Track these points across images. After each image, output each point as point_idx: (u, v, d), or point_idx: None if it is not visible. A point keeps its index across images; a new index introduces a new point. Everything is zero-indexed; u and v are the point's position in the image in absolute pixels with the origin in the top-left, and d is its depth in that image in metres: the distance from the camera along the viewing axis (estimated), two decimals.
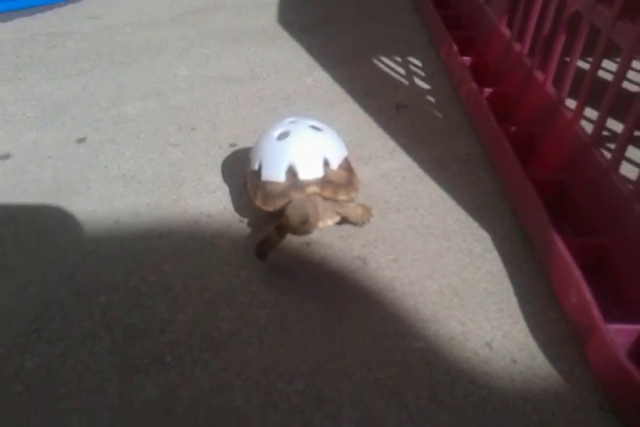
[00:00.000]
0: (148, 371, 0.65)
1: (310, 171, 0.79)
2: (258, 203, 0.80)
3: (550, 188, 0.83)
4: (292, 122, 0.86)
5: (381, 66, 1.37)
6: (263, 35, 1.55)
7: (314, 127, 0.85)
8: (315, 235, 0.83)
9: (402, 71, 1.35)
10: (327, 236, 0.84)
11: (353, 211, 0.83)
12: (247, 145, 1.06)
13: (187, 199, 0.93)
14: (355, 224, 0.84)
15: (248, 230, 0.86)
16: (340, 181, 0.80)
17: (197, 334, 0.69)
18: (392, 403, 0.61)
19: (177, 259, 0.81)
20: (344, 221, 0.83)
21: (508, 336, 0.69)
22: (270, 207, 0.79)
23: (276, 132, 0.83)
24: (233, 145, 1.07)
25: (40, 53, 1.48)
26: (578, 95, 0.83)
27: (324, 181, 0.78)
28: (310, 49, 1.47)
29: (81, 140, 1.10)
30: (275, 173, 0.79)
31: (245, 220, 0.88)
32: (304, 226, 0.73)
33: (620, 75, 0.74)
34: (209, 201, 0.92)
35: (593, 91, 0.82)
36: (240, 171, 0.97)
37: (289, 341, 0.69)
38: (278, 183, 0.79)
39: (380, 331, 0.70)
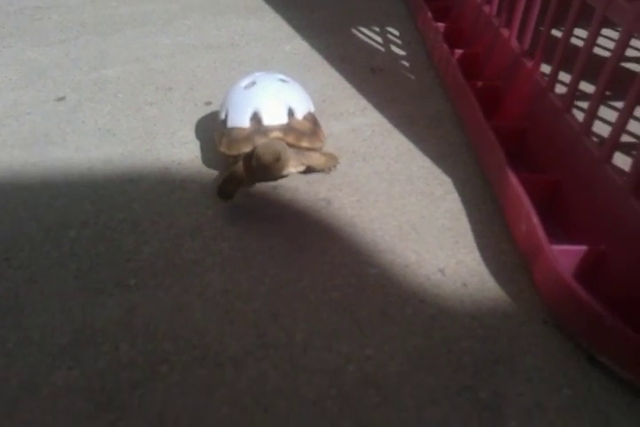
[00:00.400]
0: (111, 293, 0.67)
1: (274, 117, 0.80)
2: (222, 149, 0.81)
3: (511, 135, 0.86)
4: (260, 75, 0.88)
5: (359, 35, 1.40)
6: (245, 8, 1.57)
7: (281, 80, 0.87)
8: (281, 180, 0.85)
9: (379, 40, 1.37)
10: (294, 181, 0.86)
11: (317, 159, 0.84)
12: None
13: (159, 150, 0.95)
14: (320, 171, 0.86)
15: (218, 177, 0.88)
16: (304, 130, 0.82)
17: (162, 263, 0.72)
18: (344, 318, 0.64)
19: (146, 200, 0.83)
20: (310, 170, 0.86)
21: (461, 264, 0.71)
22: (234, 151, 0.80)
23: (244, 83, 0.86)
24: (208, 103, 1.09)
25: (25, 25, 1.50)
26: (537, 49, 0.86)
27: (288, 128, 0.80)
28: (291, 20, 1.49)
29: (60, 99, 1.12)
30: (239, 120, 0.81)
31: (214, 168, 0.90)
32: (276, 163, 0.74)
33: (570, 25, 0.77)
34: (180, 151, 0.94)
35: (550, 42, 0.84)
36: (213, 127, 1.00)
37: (250, 268, 0.71)
38: (243, 129, 0.80)
39: (338, 260, 0.72)
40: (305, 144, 0.81)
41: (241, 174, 0.78)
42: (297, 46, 1.34)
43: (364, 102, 1.09)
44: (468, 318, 0.64)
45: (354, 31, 1.42)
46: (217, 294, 0.67)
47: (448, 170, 0.89)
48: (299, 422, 0.53)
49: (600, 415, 0.53)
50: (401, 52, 1.30)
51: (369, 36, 1.39)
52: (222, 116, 0.85)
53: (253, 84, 0.84)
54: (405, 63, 1.25)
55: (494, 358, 0.59)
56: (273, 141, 0.77)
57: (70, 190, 0.85)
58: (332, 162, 0.86)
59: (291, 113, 0.82)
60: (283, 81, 0.87)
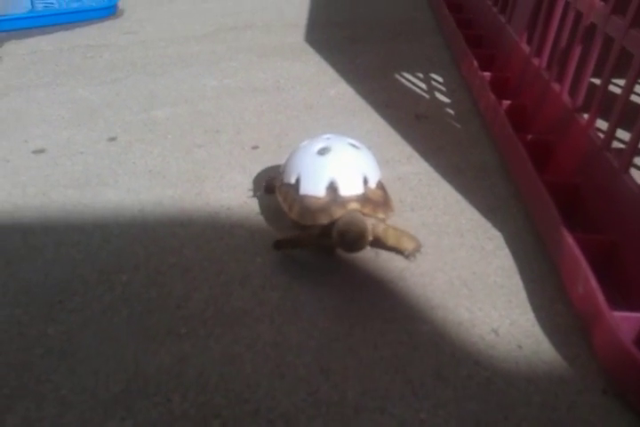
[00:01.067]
0: (163, 341, 0.67)
1: (351, 187, 0.77)
2: (294, 216, 0.78)
3: (564, 190, 0.85)
4: (329, 138, 0.84)
5: (403, 81, 1.42)
6: (290, 51, 1.61)
7: (353, 145, 0.83)
8: None
9: (423, 86, 1.39)
10: None
11: (384, 232, 0.79)
12: (269, 148, 1.11)
13: (208, 193, 0.96)
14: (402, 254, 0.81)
15: (266, 223, 0.89)
16: (379, 200, 0.79)
17: (212, 311, 0.72)
18: (396, 379, 0.63)
19: (196, 245, 0.84)
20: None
21: (514, 324, 0.70)
22: (309, 221, 0.76)
23: (316, 147, 0.81)
24: (255, 147, 1.11)
25: (78, 63, 1.56)
26: (592, 105, 0.86)
27: (365, 199, 0.77)
28: (335, 64, 1.52)
29: (112, 139, 1.15)
30: (315, 188, 0.78)
31: (264, 214, 0.91)
32: (360, 241, 0.72)
33: (630, 82, 0.77)
34: (229, 196, 0.96)
35: (606, 99, 0.85)
36: (261, 171, 1.02)
37: (299, 320, 0.71)
38: (318, 198, 0.77)
39: (389, 316, 0.71)
40: (381, 215, 0.78)
41: (307, 241, 0.78)
42: (341, 91, 1.37)
43: (409, 150, 1.10)
44: (525, 381, 0.62)
45: (397, 77, 1.44)
46: (267, 346, 0.67)
47: (497, 224, 0.88)
48: None
49: None
50: (445, 100, 1.32)
51: (413, 82, 1.41)
52: (292, 180, 0.81)
53: (327, 150, 0.80)
54: (450, 111, 1.26)
55: None
56: (356, 217, 0.74)
57: (122, 232, 0.87)
58: (413, 245, 0.80)
59: (365, 181, 0.79)
60: (355, 147, 0.84)
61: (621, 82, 0.80)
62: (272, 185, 0.88)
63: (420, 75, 1.45)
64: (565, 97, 0.97)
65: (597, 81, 0.88)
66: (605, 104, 0.84)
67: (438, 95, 1.34)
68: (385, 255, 0.81)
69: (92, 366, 0.64)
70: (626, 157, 0.75)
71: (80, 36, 1.75)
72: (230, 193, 0.97)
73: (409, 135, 1.15)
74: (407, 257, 0.79)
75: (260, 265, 0.80)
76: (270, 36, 1.73)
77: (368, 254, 0.82)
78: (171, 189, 0.98)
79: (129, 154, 1.09)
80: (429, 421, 0.58)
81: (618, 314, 0.62)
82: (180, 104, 1.30)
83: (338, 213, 0.75)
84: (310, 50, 1.63)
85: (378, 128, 1.19)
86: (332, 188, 0.77)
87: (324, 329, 0.69)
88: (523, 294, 0.74)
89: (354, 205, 0.76)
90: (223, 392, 0.61)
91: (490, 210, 0.91)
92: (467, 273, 0.78)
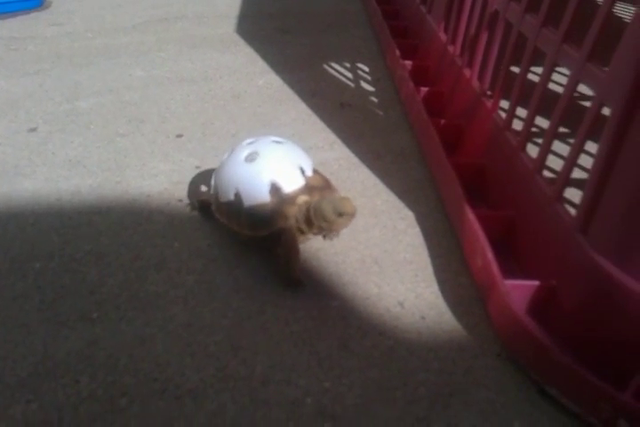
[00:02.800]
0: (74, 326, 0.67)
1: (293, 182, 0.76)
2: (247, 231, 0.76)
3: (471, 171, 0.90)
4: (251, 143, 0.81)
5: (331, 71, 1.44)
6: (220, 42, 1.61)
7: (277, 142, 0.81)
8: None
9: (350, 75, 1.42)
10: None
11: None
12: (194, 136, 1.11)
13: (129, 182, 0.96)
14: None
15: (186, 209, 0.90)
16: (321, 184, 0.78)
17: (125, 295, 0.72)
18: (304, 352, 0.65)
19: (113, 232, 0.84)
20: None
21: (420, 297, 0.73)
22: (265, 231, 0.74)
23: (242, 156, 0.78)
24: (179, 136, 1.11)
25: (0, 55, 1.51)
26: (495, 89, 0.91)
27: (309, 188, 0.76)
28: (265, 55, 1.53)
29: (32, 130, 1.13)
30: (259, 195, 0.75)
31: (184, 200, 0.92)
32: (340, 218, 0.72)
33: (526, 66, 0.82)
34: (150, 183, 0.96)
35: (508, 82, 0.89)
36: (185, 159, 1.02)
37: (213, 301, 0.72)
38: (265, 204, 0.74)
39: (301, 293, 0.74)
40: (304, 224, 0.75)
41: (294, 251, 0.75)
42: (270, 81, 1.38)
43: (332, 137, 1.13)
44: (425, 350, 0.66)
45: (325, 67, 1.46)
46: (179, 327, 0.68)
47: (411, 204, 0.92)
48: None
49: None
50: (370, 89, 1.35)
51: (340, 71, 1.43)
52: (231, 197, 0.76)
53: (255, 154, 0.78)
54: (374, 99, 1.30)
55: (449, 391, 0.61)
56: (321, 200, 0.74)
57: (37, 221, 0.86)
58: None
59: (302, 171, 0.78)
60: (279, 143, 0.81)
61: (538, 69, 0.83)
62: (207, 202, 0.84)
63: (348, 65, 1.47)
64: (475, 82, 1.01)
65: (517, 69, 0.92)
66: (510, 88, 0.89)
67: (363, 84, 1.37)
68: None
69: None
70: (522, 135, 0.80)
71: (4, 27, 1.69)
72: (151, 181, 0.97)
73: (333, 123, 1.18)
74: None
75: (177, 250, 0.81)
76: (201, 27, 1.72)
77: None
78: (90, 178, 0.97)
79: (49, 144, 1.07)
80: (333, 389, 0.61)
81: (509, 282, 0.66)
82: (104, 94, 1.28)
83: (291, 210, 0.74)
84: (241, 41, 1.64)
85: (303, 116, 1.21)
86: (275, 189, 0.75)
87: (237, 309, 0.71)
88: (429, 269, 0.78)
89: (303, 198, 0.75)
90: (132, 372, 0.62)
91: (404, 192, 0.95)
92: (378, 251, 0.81)
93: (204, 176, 0.96)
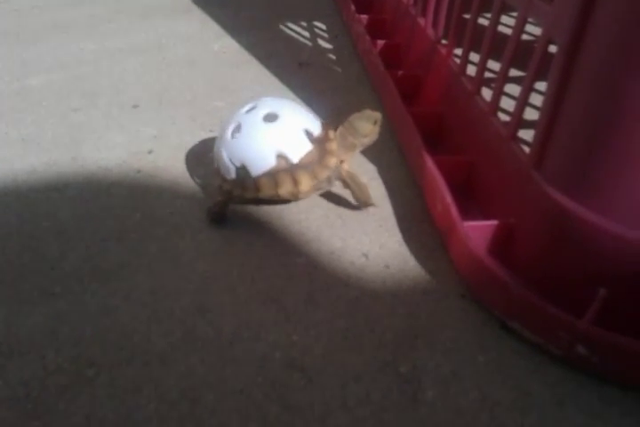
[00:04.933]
0: (36, 302, 0.67)
1: (300, 149, 0.73)
2: (267, 191, 0.73)
3: (429, 120, 0.89)
4: (252, 108, 0.76)
5: (287, 31, 1.41)
6: (172, 9, 1.56)
7: (267, 116, 0.75)
8: (209, 177, 0.86)
9: (307, 34, 1.38)
10: None
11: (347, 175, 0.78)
12: (149, 105, 1.09)
13: (85, 156, 0.94)
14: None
15: (145, 179, 0.88)
16: (331, 142, 0.76)
17: (88, 268, 0.71)
18: (271, 308, 0.65)
19: (72, 207, 0.82)
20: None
21: (384, 247, 0.73)
22: (287, 185, 0.73)
23: (259, 118, 0.74)
24: (135, 106, 1.09)
25: None
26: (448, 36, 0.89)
27: (320, 151, 0.74)
28: (219, 19, 1.49)
29: None
30: (264, 163, 0.73)
31: (143, 171, 0.90)
32: (376, 126, 0.77)
33: (476, 10, 0.80)
34: (107, 156, 0.94)
35: (461, 28, 0.87)
36: (142, 129, 1.00)
37: (178, 267, 0.71)
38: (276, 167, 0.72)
39: (266, 252, 0.73)
40: (350, 149, 0.78)
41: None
42: (225, 45, 1.35)
43: (291, 96, 1.11)
44: (390, 297, 0.66)
45: (282, 27, 1.43)
46: (144, 295, 0.67)
47: (373, 157, 0.91)
48: (225, 412, 0.54)
49: (511, 378, 0.56)
50: (328, 46, 1.32)
51: (296, 31, 1.40)
52: (272, 162, 0.72)
53: (274, 118, 0.74)
54: (332, 56, 1.27)
55: (414, 334, 0.61)
56: (352, 121, 0.77)
57: None
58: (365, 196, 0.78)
59: (308, 134, 0.75)
60: (271, 116, 0.75)
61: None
62: (222, 212, 0.79)
63: (304, 23, 1.44)
64: (429, 30, 0.99)
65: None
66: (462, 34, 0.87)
67: (321, 42, 1.34)
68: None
69: None
70: (476, 78, 0.78)
71: None
72: (109, 153, 0.95)
73: (292, 82, 1.16)
74: (360, 206, 0.79)
75: (138, 220, 0.80)
76: None
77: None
78: (45, 155, 0.95)
79: (0, 124, 1.04)
80: (301, 341, 0.61)
81: (468, 224, 0.66)
82: (55, 70, 1.24)
83: (331, 159, 0.74)
84: (193, 7, 1.59)
85: (261, 78, 1.18)
86: (313, 139, 0.74)
87: (202, 272, 0.71)
88: (392, 219, 0.78)
89: (331, 145, 0.75)
90: (98, 343, 0.62)
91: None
92: (342, 206, 0.81)
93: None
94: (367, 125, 0.77)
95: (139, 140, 0.98)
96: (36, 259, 0.73)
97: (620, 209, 0.53)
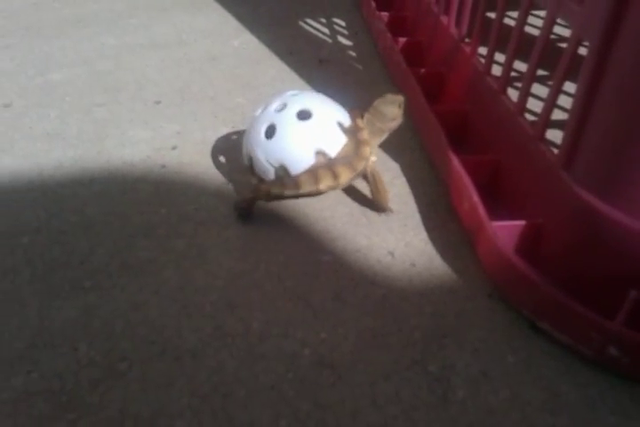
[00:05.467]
0: (67, 296, 0.68)
1: (336, 144, 0.75)
2: (307, 187, 0.74)
3: (454, 118, 0.89)
4: (278, 110, 0.77)
5: (307, 27, 1.41)
6: (191, 4, 1.56)
7: (302, 114, 0.76)
8: (233, 173, 0.87)
9: (326, 31, 1.38)
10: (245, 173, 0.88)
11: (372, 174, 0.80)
12: (172, 101, 1.09)
13: (110, 151, 0.95)
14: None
15: (170, 175, 0.89)
16: (362, 131, 0.78)
17: (116, 263, 0.72)
18: (299, 306, 0.66)
19: (98, 202, 0.83)
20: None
21: (409, 245, 0.73)
22: (327, 180, 0.74)
23: (293, 114, 0.75)
24: (158, 102, 1.09)
25: None
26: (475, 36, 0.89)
27: (355, 142, 0.76)
28: (238, 15, 1.49)
29: (7, 106, 1.10)
30: (305, 161, 0.74)
31: (167, 166, 0.91)
32: (401, 109, 0.79)
33: (501, 10, 0.80)
34: (132, 152, 0.95)
35: (486, 27, 0.87)
36: (165, 125, 1.01)
37: (205, 263, 0.72)
38: (316, 164, 0.74)
39: (292, 249, 0.74)
40: (378, 135, 0.80)
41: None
42: (245, 41, 1.35)
43: None
44: (417, 296, 0.66)
45: (301, 23, 1.43)
46: (173, 291, 0.68)
47: (395, 156, 0.91)
48: (257, 407, 0.55)
49: (542, 379, 0.57)
50: (348, 43, 1.32)
51: (316, 27, 1.40)
52: (312, 159, 0.74)
53: (308, 115, 0.75)
54: (352, 53, 1.27)
55: (442, 333, 0.62)
56: (377, 106, 0.79)
57: (21, 197, 0.85)
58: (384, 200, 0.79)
59: (341, 126, 0.76)
60: (304, 113, 0.76)
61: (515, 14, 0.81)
62: (250, 208, 0.79)
63: (323, 20, 1.44)
64: (452, 29, 0.99)
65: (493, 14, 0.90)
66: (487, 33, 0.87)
67: (341, 39, 1.34)
68: None
69: None
70: (503, 79, 0.78)
71: None
72: (133, 149, 0.95)
73: (312, 79, 1.16)
74: (379, 211, 0.79)
75: (164, 216, 0.81)
76: None
77: None
78: (70, 150, 0.96)
79: (25, 119, 1.05)
80: (329, 339, 0.62)
81: (496, 224, 0.66)
82: (77, 65, 1.25)
83: (366, 149, 0.76)
84: (212, 2, 1.59)
85: (282, 75, 1.18)
86: (347, 131, 0.76)
87: (229, 269, 0.71)
88: (417, 218, 0.78)
89: (363, 136, 0.77)
90: (129, 337, 0.63)
91: (388, 143, 0.93)
92: (366, 204, 0.81)
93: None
94: (393, 109, 0.78)
95: (162, 136, 0.99)
96: (65, 253, 0.74)
97: None
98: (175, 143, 0.96)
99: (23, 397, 0.57)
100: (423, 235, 0.75)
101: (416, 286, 0.67)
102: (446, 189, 0.80)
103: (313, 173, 0.74)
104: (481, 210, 0.68)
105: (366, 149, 0.76)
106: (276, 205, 0.81)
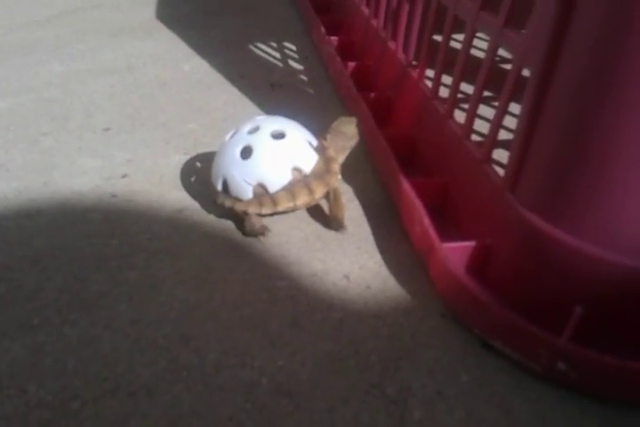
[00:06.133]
0: (14, 335, 0.65)
1: (309, 162, 0.80)
2: (285, 204, 0.77)
3: (402, 142, 0.91)
4: (251, 132, 0.81)
5: (258, 51, 1.42)
6: (141, 29, 1.56)
7: (275, 134, 0.81)
8: (186, 201, 0.86)
9: (277, 55, 1.40)
10: (198, 202, 0.87)
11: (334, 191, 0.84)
12: (122, 128, 1.08)
13: (57, 181, 0.93)
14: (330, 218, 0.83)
15: (121, 204, 0.87)
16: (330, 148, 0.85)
17: (66, 298, 0.70)
18: (256, 334, 0.65)
19: (46, 234, 0.81)
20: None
21: (364, 268, 0.74)
22: (303, 196, 0.78)
23: (268, 135, 0.80)
24: (107, 129, 1.08)
25: None
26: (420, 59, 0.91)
27: (325, 159, 0.82)
28: (189, 39, 1.50)
29: None
30: (282, 178, 0.78)
31: (118, 195, 0.89)
32: (358, 129, 0.87)
33: (447, 35, 0.82)
34: (80, 181, 0.93)
35: (432, 51, 0.89)
36: (115, 153, 0.99)
37: (159, 295, 0.71)
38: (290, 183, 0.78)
39: (248, 276, 0.73)
40: (342, 153, 0.87)
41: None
42: (196, 65, 1.35)
43: None
44: (373, 318, 0.67)
45: (252, 48, 1.44)
46: (126, 325, 0.67)
47: (348, 179, 0.92)
48: None
49: (495, 395, 0.58)
50: (299, 67, 1.34)
51: (267, 52, 1.41)
52: (289, 176, 0.78)
53: (281, 135, 0.80)
54: (304, 77, 1.29)
55: (398, 355, 0.62)
56: (338, 126, 0.87)
57: None
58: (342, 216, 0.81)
59: (312, 145, 0.82)
60: (278, 134, 0.81)
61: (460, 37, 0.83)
62: (259, 223, 0.80)
63: (274, 44, 1.46)
64: (400, 54, 1.02)
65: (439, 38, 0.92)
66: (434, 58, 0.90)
67: (292, 63, 1.36)
68: None
69: None
70: (449, 102, 0.81)
71: None
72: (82, 178, 0.94)
73: (264, 104, 1.17)
74: (335, 228, 0.81)
75: (116, 247, 0.79)
76: (119, 14, 1.66)
77: (225, 223, 0.83)
78: (15, 181, 0.93)
79: None
80: (287, 366, 0.61)
81: (447, 245, 0.68)
82: (22, 93, 1.23)
83: (335, 165, 0.82)
84: (162, 26, 1.59)
85: (234, 99, 1.19)
86: (297, 170, 0.79)
87: (184, 300, 0.70)
88: (371, 240, 0.79)
89: (330, 153, 0.83)
90: (81, 375, 0.61)
91: (342, 167, 0.95)
92: (320, 228, 0.82)
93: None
94: (351, 128, 0.86)
95: (112, 165, 0.97)
96: (11, 290, 0.72)
97: (594, 230, 0.55)
98: (126, 171, 0.95)
99: None
100: (377, 257, 0.76)
101: (372, 308, 0.68)
102: (398, 211, 0.82)
103: (289, 189, 0.77)
104: (432, 233, 0.69)
105: (335, 166, 0.81)
106: (230, 232, 0.81)
